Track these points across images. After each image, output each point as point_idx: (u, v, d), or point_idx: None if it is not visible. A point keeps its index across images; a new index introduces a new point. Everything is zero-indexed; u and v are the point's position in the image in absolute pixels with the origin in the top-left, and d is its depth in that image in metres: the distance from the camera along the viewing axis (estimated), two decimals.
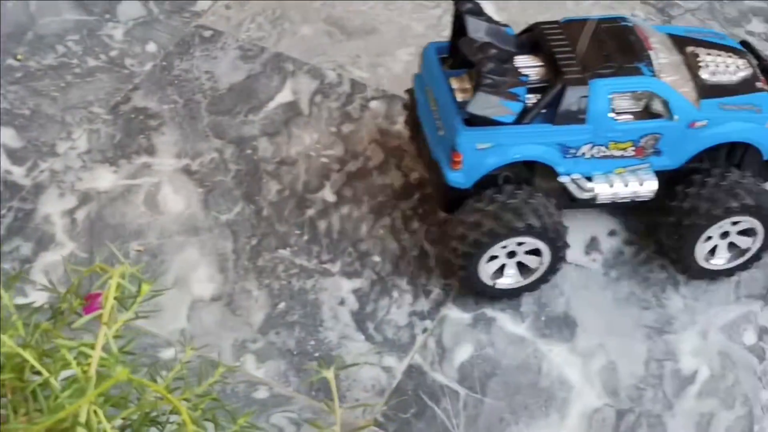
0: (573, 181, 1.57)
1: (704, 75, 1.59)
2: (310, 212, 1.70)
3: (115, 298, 1.11)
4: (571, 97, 1.50)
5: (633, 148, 1.55)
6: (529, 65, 1.55)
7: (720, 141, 1.58)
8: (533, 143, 1.52)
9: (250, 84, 1.86)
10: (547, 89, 1.51)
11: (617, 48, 1.55)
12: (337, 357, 1.54)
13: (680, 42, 1.63)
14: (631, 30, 1.58)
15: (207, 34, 1.93)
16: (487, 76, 1.44)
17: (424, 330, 1.58)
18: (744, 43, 1.70)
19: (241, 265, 1.63)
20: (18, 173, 1.71)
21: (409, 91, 1.67)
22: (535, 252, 1.55)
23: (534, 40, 1.58)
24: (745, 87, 1.59)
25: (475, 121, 1.48)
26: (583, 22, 1.59)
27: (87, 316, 1.11)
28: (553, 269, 1.58)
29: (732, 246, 1.62)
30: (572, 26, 1.58)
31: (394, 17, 1.99)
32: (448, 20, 1.95)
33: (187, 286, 1.60)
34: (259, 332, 1.56)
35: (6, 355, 1.08)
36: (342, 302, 1.60)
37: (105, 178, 1.71)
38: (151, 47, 1.90)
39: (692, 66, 1.59)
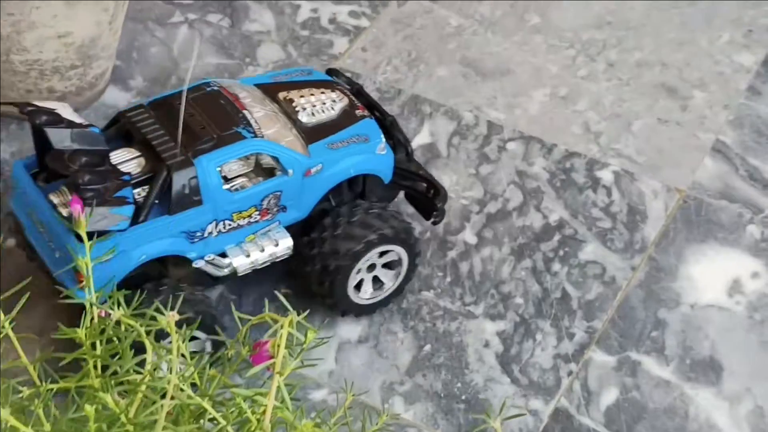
0: (208, 263, 1.52)
1: (304, 119, 1.56)
2: (452, 254, 1.72)
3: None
4: (180, 182, 1.43)
5: (257, 213, 1.52)
6: (127, 159, 1.46)
7: (338, 181, 1.57)
8: (156, 239, 1.45)
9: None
10: (153, 180, 1.43)
11: (211, 117, 1.49)
12: (485, 401, 1.55)
13: (271, 90, 1.59)
14: (218, 94, 1.53)
15: None
16: (86, 188, 1.36)
17: (569, 373, 1.59)
18: (331, 71, 1.70)
19: (387, 307, 1.65)
20: None
21: (11, 215, 1.55)
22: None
23: (125, 130, 1.50)
24: (346, 120, 1.59)
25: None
26: (168, 98, 1.52)
27: (259, 365, 1.14)
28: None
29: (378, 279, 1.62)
30: (160, 106, 1.51)
31: (528, 58, 2.00)
32: (582, 60, 1.97)
33: (334, 328, 1.63)
34: (406, 374, 1.58)
35: (182, 405, 1.12)
36: (486, 344, 1.62)
37: None
38: None
39: (290, 113, 1.56)
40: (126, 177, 1.42)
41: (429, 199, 1.66)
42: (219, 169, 1.46)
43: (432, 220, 1.66)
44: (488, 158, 1.85)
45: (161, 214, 1.44)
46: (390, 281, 1.62)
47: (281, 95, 1.59)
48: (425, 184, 1.66)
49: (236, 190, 1.49)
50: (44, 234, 1.46)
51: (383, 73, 1.97)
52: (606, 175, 1.83)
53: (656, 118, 1.92)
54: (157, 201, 1.44)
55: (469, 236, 1.75)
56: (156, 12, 2.05)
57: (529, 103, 1.93)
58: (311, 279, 1.58)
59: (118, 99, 1.89)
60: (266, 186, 1.50)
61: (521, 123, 1.90)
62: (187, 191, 1.44)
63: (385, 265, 1.61)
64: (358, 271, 1.58)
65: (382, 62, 1.99)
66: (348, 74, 1.94)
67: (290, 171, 1.51)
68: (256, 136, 1.49)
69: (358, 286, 1.60)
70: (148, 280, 1.46)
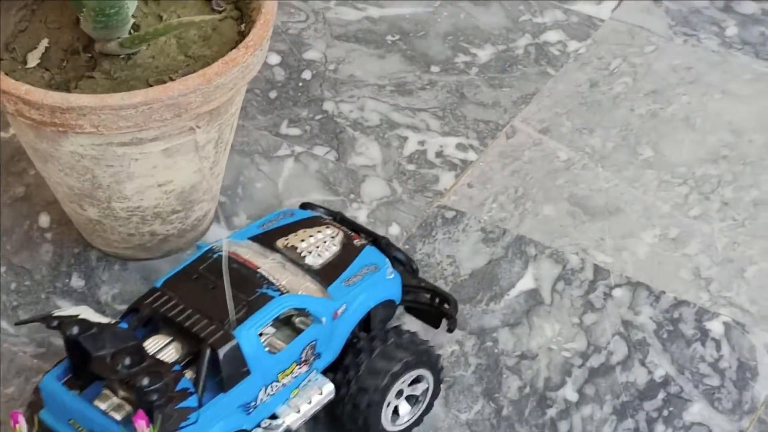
0: (264, 429, 1.50)
1: (311, 262, 1.56)
2: (551, 412, 1.67)
3: None
4: (227, 358, 1.42)
5: (298, 367, 1.51)
6: (162, 347, 1.45)
7: (362, 316, 1.57)
8: (218, 421, 1.43)
9: (492, 269, 1.85)
10: (198, 361, 1.42)
11: (232, 284, 1.47)
12: None
13: (266, 241, 1.58)
14: (229, 260, 1.51)
15: (449, 215, 1.93)
16: (149, 391, 1.34)
17: None
18: (306, 205, 1.72)
19: None
20: None
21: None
22: None
23: (148, 317, 1.48)
24: (350, 253, 1.59)
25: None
26: (178, 275, 1.51)
27: None
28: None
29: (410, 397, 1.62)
30: (174, 285, 1.50)
31: (638, 195, 1.95)
32: (695, 198, 1.91)
33: None
34: None
35: None
36: None
37: None
38: (395, 229, 1.91)
39: (296, 259, 1.56)
40: (177, 367, 1.41)
41: (435, 308, 1.66)
42: (259, 335, 1.46)
43: (446, 327, 1.65)
44: (593, 306, 1.80)
45: (214, 395, 1.43)
46: (419, 404, 1.62)
47: (279, 243, 1.59)
48: (428, 295, 1.67)
49: (269, 350, 1.49)
50: None
51: (488, 211, 1.94)
52: (716, 327, 1.76)
53: None
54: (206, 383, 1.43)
55: (569, 393, 1.69)
56: (263, 144, 2.05)
57: (637, 246, 1.88)
58: (346, 419, 1.57)
59: (221, 238, 1.89)
60: (303, 339, 1.51)
61: (629, 267, 1.85)
62: (234, 364, 1.43)
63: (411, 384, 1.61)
64: (388, 404, 1.58)
65: (488, 199, 1.95)
66: (453, 212, 1.92)
67: (323, 319, 1.51)
68: (281, 293, 1.49)
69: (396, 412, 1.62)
70: None
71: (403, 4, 2.30)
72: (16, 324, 1.58)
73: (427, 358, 1.58)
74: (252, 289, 1.48)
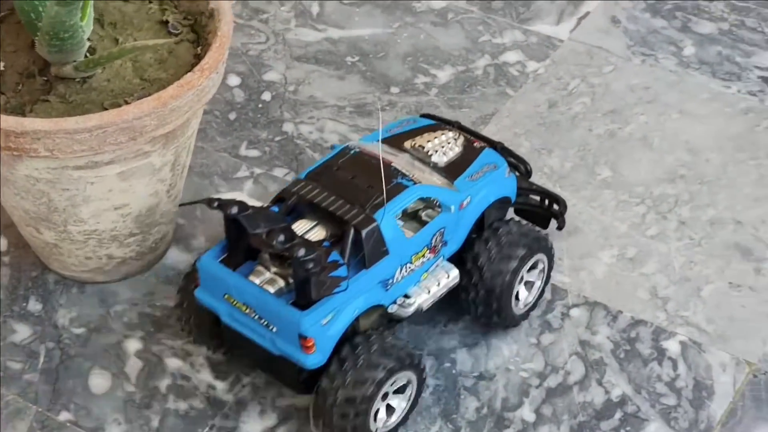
0: (399, 306, 1.64)
1: (437, 160, 1.71)
2: None
3: None
4: (369, 237, 1.56)
5: (428, 251, 1.65)
6: (308, 229, 1.59)
7: (483, 209, 1.72)
8: (362, 294, 1.57)
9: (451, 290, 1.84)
10: (343, 241, 1.56)
11: (370, 175, 1.62)
12: None
13: (395, 142, 1.73)
14: (361, 154, 1.66)
15: None
16: (306, 260, 1.48)
17: None
18: (426, 115, 1.87)
19: None
20: (221, 388, 1.74)
21: (193, 314, 1.67)
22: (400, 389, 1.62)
23: (293, 205, 1.62)
24: (471, 153, 1.74)
25: (301, 303, 1.53)
26: (320, 168, 1.66)
27: None
28: (418, 397, 1.65)
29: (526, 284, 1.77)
30: (317, 175, 1.64)
31: (596, 215, 1.96)
32: (653, 218, 1.92)
33: None
34: None
35: None
36: None
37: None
38: None
39: (423, 158, 1.70)
40: (326, 244, 1.56)
41: (545, 209, 1.84)
42: (396, 219, 1.60)
43: (557, 226, 1.85)
44: (551, 326, 1.80)
45: (357, 271, 1.57)
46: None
47: (407, 144, 1.73)
48: (538, 198, 1.84)
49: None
50: (252, 314, 1.57)
51: None
52: (672, 346, 1.77)
53: (728, 283, 1.85)
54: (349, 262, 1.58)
55: (527, 413, 1.70)
56: (222, 166, 2.05)
57: (595, 265, 1.88)
58: (477, 305, 1.72)
59: (179, 261, 1.89)
60: (434, 225, 1.65)
61: (586, 287, 1.85)
62: (375, 244, 1.58)
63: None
64: (520, 281, 1.74)
65: None
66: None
67: (452, 207, 1.66)
68: (414, 183, 1.63)
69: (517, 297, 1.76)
70: (354, 334, 1.59)
71: (363, 25, 2.30)
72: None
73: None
74: (388, 179, 1.62)
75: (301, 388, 1.61)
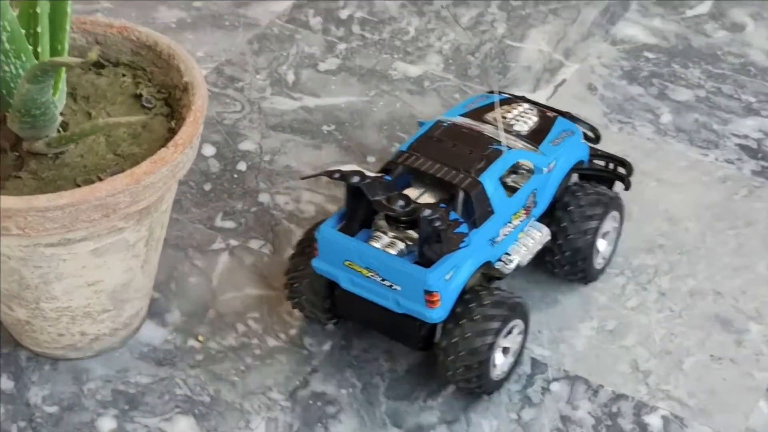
0: (503, 263, 1.76)
1: (519, 128, 1.83)
2: None
3: None
4: (477, 199, 1.68)
5: (524, 211, 1.78)
6: (417, 196, 1.71)
7: (567, 171, 1.86)
8: (476, 251, 1.68)
9: (430, 364, 1.82)
10: (453, 202, 1.68)
11: (467, 143, 1.75)
12: None
13: (476, 116, 1.84)
14: (454, 126, 1.79)
15: None
16: (433, 218, 1.60)
17: None
18: (491, 92, 1.95)
19: None
20: None
21: (306, 283, 1.77)
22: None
23: (400, 174, 1.73)
24: (547, 122, 1.87)
25: (422, 261, 1.65)
26: (422, 139, 1.77)
27: None
28: (524, 344, 1.78)
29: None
30: (420, 146, 1.75)
31: (575, 286, 1.94)
32: (632, 289, 1.90)
33: None
34: None
35: None
36: None
37: None
38: (330, 326, 1.89)
39: (506, 127, 1.82)
40: (443, 205, 1.65)
41: (610, 172, 1.93)
42: (498, 181, 1.72)
43: (624, 187, 1.94)
44: (531, 401, 1.78)
45: (468, 230, 1.67)
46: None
47: (488, 116, 1.84)
48: (603, 163, 1.94)
49: None
50: (376, 277, 1.67)
51: None
52: (654, 421, 1.75)
53: (709, 355, 1.83)
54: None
55: None
56: (197, 238, 2.02)
57: (575, 338, 1.86)
58: (563, 264, 1.86)
59: (153, 336, 1.86)
60: (529, 186, 1.78)
61: (567, 360, 1.83)
62: (483, 205, 1.70)
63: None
64: (603, 234, 1.89)
65: None
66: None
67: (544, 169, 1.79)
68: (510, 149, 1.75)
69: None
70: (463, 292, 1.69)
71: (339, 93, 2.29)
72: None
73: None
74: (485, 146, 1.75)
75: (421, 344, 1.72)
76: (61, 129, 1.68)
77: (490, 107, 1.87)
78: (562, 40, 2.41)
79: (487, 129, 1.80)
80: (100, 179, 1.62)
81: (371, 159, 2.16)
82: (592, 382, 1.80)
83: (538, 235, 1.81)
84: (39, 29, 1.58)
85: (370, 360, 1.84)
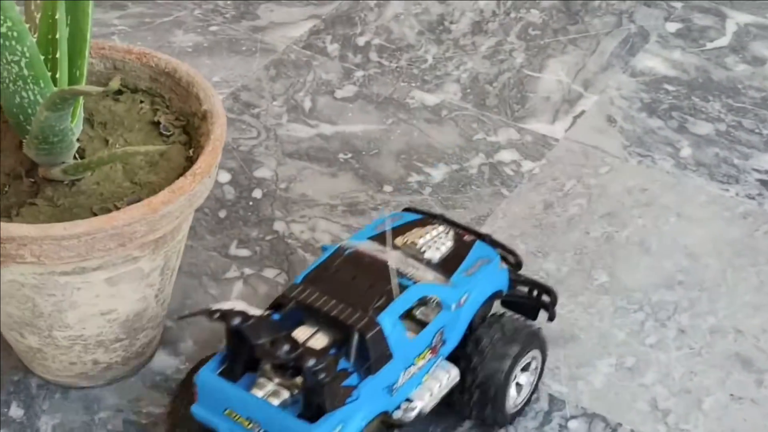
0: (402, 411, 1.59)
1: (430, 256, 1.67)
2: None
3: None
4: (373, 342, 1.51)
5: (429, 352, 1.61)
6: (309, 336, 1.53)
7: (480, 304, 1.68)
8: (369, 402, 1.53)
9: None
10: (347, 346, 1.52)
11: (369, 276, 1.58)
12: None
13: (384, 240, 1.67)
14: (357, 254, 1.62)
15: None
16: (317, 371, 1.44)
17: None
18: (408, 209, 1.85)
19: None
20: None
21: (190, 429, 1.59)
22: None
23: (292, 310, 1.56)
24: (463, 247, 1.71)
25: (307, 415, 1.48)
26: (314, 272, 1.60)
27: None
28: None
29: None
30: (314, 279, 1.59)
31: (594, 321, 1.92)
32: (652, 325, 1.88)
33: None
34: None
35: None
36: None
37: None
38: None
39: (416, 254, 1.67)
40: (332, 352, 1.51)
41: (534, 299, 1.79)
42: (399, 320, 1.56)
43: (547, 318, 1.79)
44: None
45: (362, 378, 1.52)
46: (529, 381, 1.73)
47: (398, 241, 1.68)
48: (526, 289, 1.79)
49: None
50: (257, 430, 1.50)
51: None
52: None
53: (729, 395, 1.81)
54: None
55: None
56: (211, 266, 2.00)
57: (593, 375, 1.84)
58: (472, 406, 1.68)
59: (166, 365, 1.84)
60: (435, 324, 1.61)
61: (584, 398, 1.81)
62: (380, 348, 1.52)
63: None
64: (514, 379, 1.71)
65: None
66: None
67: (453, 306, 1.62)
68: (414, 283, 1.59)
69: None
70: None
71: (356, 121, 2.27)
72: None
73: (537, 338, 1.70)
74: (387, 279, 1.58)
75: None
76: (77, 155, 1.66)
77: (404, 228, 1.72)
78: (581, 70, 2.40)
79: (393, 257, 1.63)
80: (117, 208, 1.60)
81: (388, 188, 2.14)
82: (610, 420, 1.77)
83: (446, 378, 1.64)
84: (58, 55, 1.56)
85: None
